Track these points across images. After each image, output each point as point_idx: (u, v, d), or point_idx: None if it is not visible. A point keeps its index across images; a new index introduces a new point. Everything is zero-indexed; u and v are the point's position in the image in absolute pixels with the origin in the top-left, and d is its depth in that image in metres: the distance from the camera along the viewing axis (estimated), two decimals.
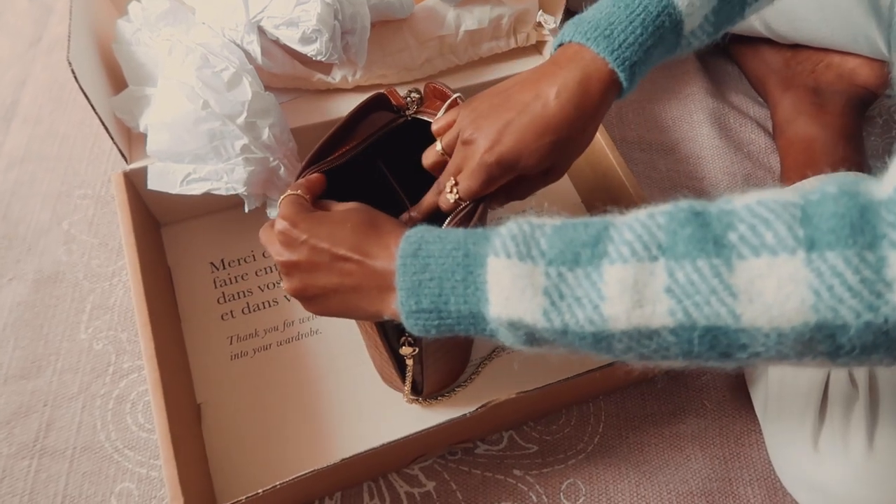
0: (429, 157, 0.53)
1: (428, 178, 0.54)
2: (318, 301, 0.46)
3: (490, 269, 0.38)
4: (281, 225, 0.45)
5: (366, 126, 0.55)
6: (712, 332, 0.33)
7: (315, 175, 0.50)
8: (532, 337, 0.38)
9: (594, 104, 0.47)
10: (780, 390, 0.59)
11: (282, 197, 0.48)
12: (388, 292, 0.42)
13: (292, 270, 0.45)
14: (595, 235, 0.36)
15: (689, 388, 0.67)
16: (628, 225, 0.36)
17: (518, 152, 0.47)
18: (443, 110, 0.54)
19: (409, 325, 0.41)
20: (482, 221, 0.51)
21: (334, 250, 0.43)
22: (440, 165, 0.52)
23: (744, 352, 0.34)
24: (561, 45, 0.49)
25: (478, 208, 0.50)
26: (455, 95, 0.55)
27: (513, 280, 0.37)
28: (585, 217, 0.38)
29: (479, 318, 0.39)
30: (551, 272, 0.36)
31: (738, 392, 0.67)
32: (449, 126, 0.52)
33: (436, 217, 0.51)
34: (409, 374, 0.56)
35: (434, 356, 0.57)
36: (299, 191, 0.48)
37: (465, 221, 0.49)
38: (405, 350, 0.52)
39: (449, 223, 0.49)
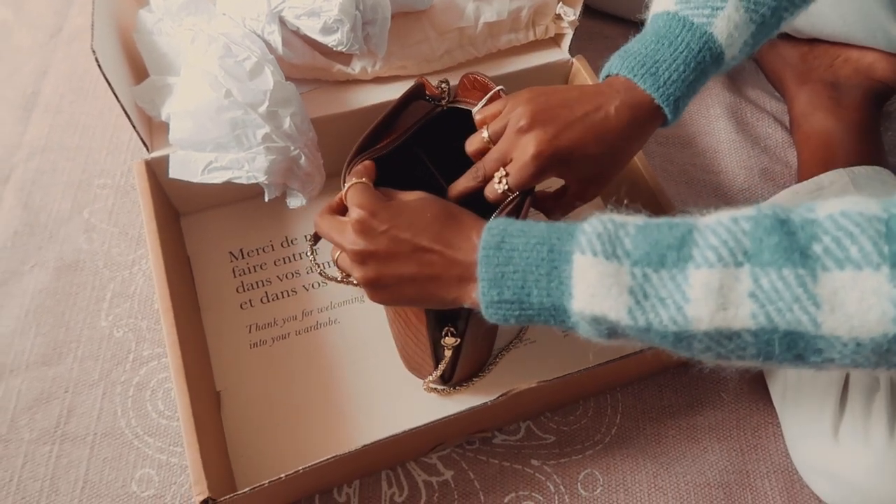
0: (473, 143, 0.53)
1: (466, 166, 0.54)
2: (391, 290, 0.46)
3: (576, 265, 0.39)
4: (358, 213, 0.45)
5: (406, 117, 0.56)
6: (791, 337, 0.35)
7: (368, 162, 0.51)
8: (613, 332, 0.40)
9: (641, 130, 0.50)
10: (799, 381, 0.59)
11: (348, 185, 0.48)
12: (467, 282, 0.43)
13: (368, 259, 0.45)
14: (680, 238, 0.38)
15: (706, 381, 0.68)
16: (712, 229, 0.37)
17: (574, 149, 0.48)
18: (484, 101, 0.55)
19: (489, 315, 0.43)
20: (526, 217, 0.51)
21: (416, 240, 0.44)
22: (484, 153, 0.52)
23: (819, 356, 0.35)
24: (608, 75, 0.51)
25: (525, 202, 0.50)
26: (497, 88, 0.55)
27: (599, 278, 0.38)
28: (666, 217, 0.40)
29: (562, 311, 0.40)
30: (636, 272, 0.38)
31: (755, 384, 0.67)
32: (494, 116, 0.52)
33: (468, 203, 0.52)
34: (443, 364, 0.56)
35: (470, 346, 0.57)
36: (364, 179, 0.48)
37: (512, 215, 0.50)
38: (448, 341, 0.53)
39: (497, 215, 0.49)
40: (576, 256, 0.39)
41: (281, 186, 0.66)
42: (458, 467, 0.63)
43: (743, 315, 0.35)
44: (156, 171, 0.67)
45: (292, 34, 0.69)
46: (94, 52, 0.59)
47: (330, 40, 0.66)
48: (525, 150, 0.48)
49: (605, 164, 0.51)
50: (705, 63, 0.49)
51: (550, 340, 0.68)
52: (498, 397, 0.55)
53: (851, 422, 0.54)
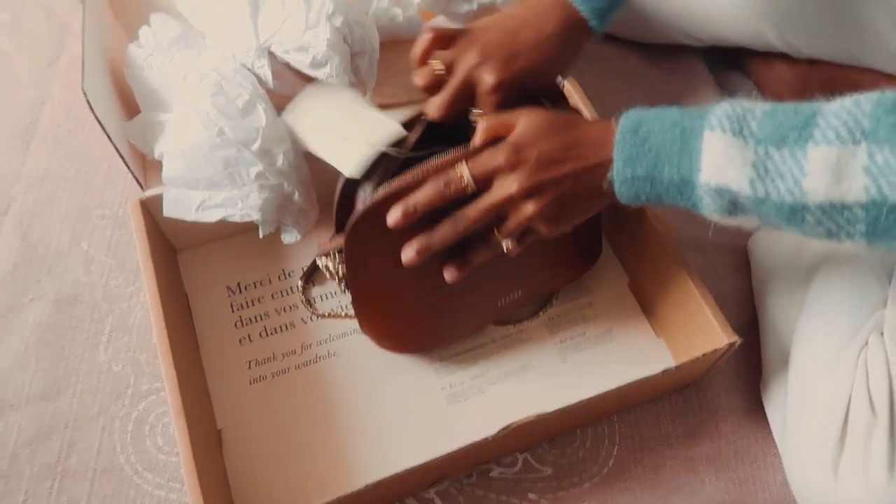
0: (423, 75, 0.59)
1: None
2: (558, 203, 0.51)
3: (705, 140, 0.44)
4: (504, 154, 0.50)
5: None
6: None
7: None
8: (733, 205, 0.44)
9: (575, 40, 0.59)
10: (799, 413, 0.58)
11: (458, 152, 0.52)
12: (604, 168, 0.49)
13: (541, 170, 0.50)
14: (803, 120, 0.41)
15: (704, 411, 0.67)
16: (834, 111, 0.41)
17: (525, 71, 0.56)
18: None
19: (621, 193, 0.48)
20: None
21: (563, 142, 0.50)
22: (434, 83, 0.59)
23: None
24: None
25: None
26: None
27: (725, 151, 0.43)
28: (793, 102, 0.43)
29: (689, 184, 0.45)
30: (759, 150, 0.42)
31: (753, 415, 0.67)
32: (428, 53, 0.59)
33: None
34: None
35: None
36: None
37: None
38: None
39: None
40: (706, 133, 0.44)
41: (275, 222, 0.66)
42: (456, 501, 0.63)
43: (856, 188, 0.39)
44: (150, 209, 0.67)
45: (282, 66, 0.68)
46: (84, 93, 0.59)
47: (320, 74, 0.65)
48: (485, 82, 0.55)
49: (547, 71, 0.58)
50: None
51: (548, 369, 0.68)
52: (499, 431, 0.55)
53: (851, 458, 0.54)
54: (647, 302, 0.71)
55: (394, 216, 0.52)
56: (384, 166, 0.60)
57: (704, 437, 0.66)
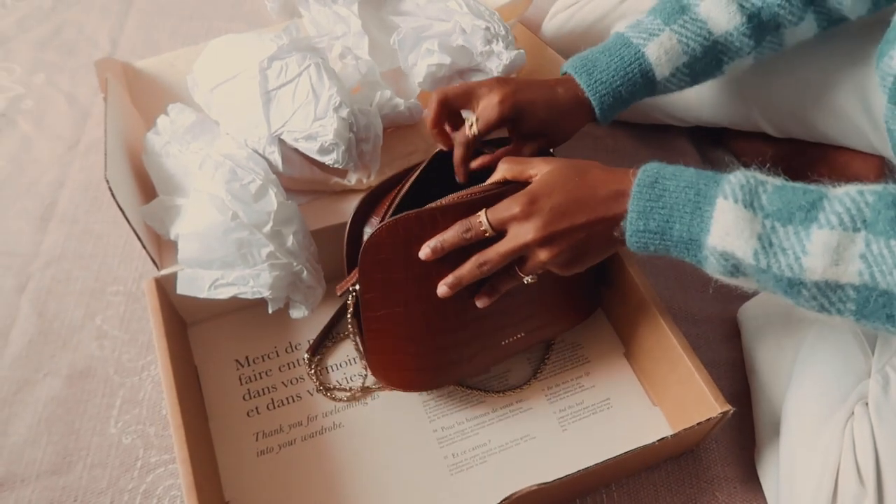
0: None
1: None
2: (571, 251, 0.54)
3: (718, 208, 0.47)
4: (520, 205, 0.54)
5: None
6: (888, 296, 0.43)
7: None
8: (736, 269, 0.48)
9: (577, 114, 0.64)
10: (791, 484, 0.60)
11: (474, 221, 0.57)
12: (617, 220, 0.52)
13: (556, 220, 0.53)
14: (811, 203, 0.45)
15: (701, 480, 0.69)
16: (839, 198, 0.45)
17: (527, 104, 0.61)
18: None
19: (631, 242, 0.51)
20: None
21: (579, 193, 0.53)
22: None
23: None
24: (565, 73, 0.65)
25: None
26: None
27: (735, 221, 0.46)
28: (801, 183, 0.47)
29: (697, 244, 0.49)
30: (767, 223, 0.46)
31: (748, 484, 0.68)
32: None
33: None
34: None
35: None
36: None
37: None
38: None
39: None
40: (719, 200, 0.47)
41: (284, 299, 0.69)
42: None
43: (851, 272, 0.43)
44: (165, 287, 0.70)
45: (292, 151, 0.73)
46: (107, 181, 0.63)
47: (327, 159, 0.70)
48: (491, 100, 0.61)
49: (545, 128, 0.63)
50: (633, 74, 0.63)
51: (548, 438, 0.70)
52: (500, 502, 0.56)
53: None
54: (642, 371, 0.74)
55: (425, 250, 0.58)
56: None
57: None
